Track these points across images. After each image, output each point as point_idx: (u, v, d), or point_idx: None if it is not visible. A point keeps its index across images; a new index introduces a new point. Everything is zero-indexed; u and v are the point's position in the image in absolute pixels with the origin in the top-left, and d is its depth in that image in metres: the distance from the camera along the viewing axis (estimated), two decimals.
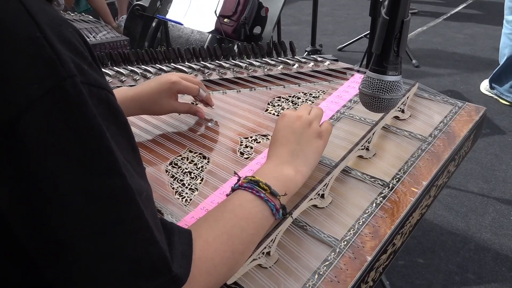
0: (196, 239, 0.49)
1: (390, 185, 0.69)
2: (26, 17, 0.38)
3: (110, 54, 1.11)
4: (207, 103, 0.89)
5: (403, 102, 0.84)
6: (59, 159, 0.38)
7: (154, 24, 2.33)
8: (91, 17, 1.94)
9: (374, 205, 0.66)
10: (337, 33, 3.87)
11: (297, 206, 0.64)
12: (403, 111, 0.84)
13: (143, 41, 2.37)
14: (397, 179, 0.70)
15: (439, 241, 1.63)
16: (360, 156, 0.75)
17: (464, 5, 4.47)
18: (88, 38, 1.66)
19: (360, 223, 0.63)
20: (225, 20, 1.56)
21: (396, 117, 0.84)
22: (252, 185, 0.57)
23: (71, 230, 0.39)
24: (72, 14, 1.94)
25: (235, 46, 1.07)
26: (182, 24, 1.76)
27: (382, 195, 0.67)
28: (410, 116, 0.84)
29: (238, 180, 0.60)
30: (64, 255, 0.40)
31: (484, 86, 2.70)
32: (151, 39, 2.39)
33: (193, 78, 0.87)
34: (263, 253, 0.59)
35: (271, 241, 0.59)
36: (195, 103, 0.92)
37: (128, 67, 1.10)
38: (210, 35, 1.89)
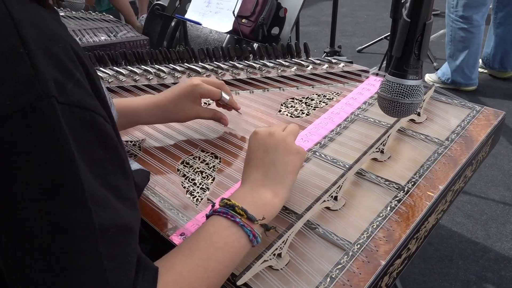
0: (169, 272, 0.46)
1: (406, 189, 0.67)
2: (11, 29, 0.37)
3: (124, 53, 1.11)
4: (233, 107, 0.84)
5: (420, 105, 0.83)
6: (22, 180, 0.36)
7: (173, 23, 2.33)
8: (111, 16, 1.96)
9: (388, 208, 0.64)
10: (357, 34, 3.84)
11: (310, 208, 0.63)
12: (419, 114, 0.83)
13: (162, 41, 2.38)
14: (412, 183, 0.68)
15: (457, 249, 1.60)
16: (375, 159, 0.74)
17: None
18: (109, 37, 1.67)
19: (374, 227, 0.62)
20: (243, 20, 1.55)
21: (412, 120, 0.82)
22: (227, 209, 0.53)
23: (23, 260, 0.37)
24: (94, 14, 1.96)
25: (253, 47, 1.07)
26: (200, 24, 1.76)
27: (397, 198, 0.66)
28: (426, 119, 0.83)
29: (213, 206, 0.56)
30: (15, 279, 0.38)
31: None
32: (170, 38, 2.40)
33: (216, 80, 0.83)
34: (274, 254, 0.58)
35: (283, 242, 0.58)
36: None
37: (142, 66, 1.10)
38: (228, 35, 1.89)
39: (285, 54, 1.06)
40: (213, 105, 0.89)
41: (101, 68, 1.12)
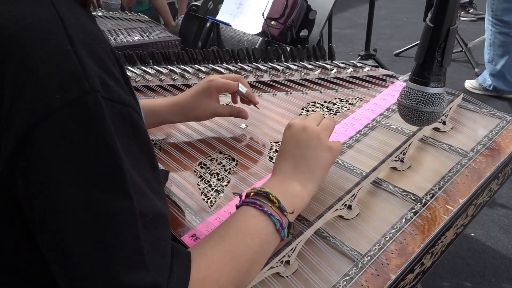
0: (201, 257, 0.48)
1: (423, 201, 0.65)
2: (60, 29, 0.39)
3: (152, 53, 1.13)
4: (250, 100, 0.84)
5: (445, 113, 0.80)
6: (68, 170, 0.38)
7: (208, 24, 2.37)
8: (146, 17, 2.00)
9: (403, 220, 0.62)
10: (395, 37, 3.74)
11: (321, 216, 0.62)
12: (444, 123, 0.80)
13: (197, 41, 2.42)
14: (431, 195, 0.66)
15: (490, 265, 1.53)
16: (394, 168, 0.72)
17: None
18: (142, 37, 1.71)
19: (387, 239, 0.60)
20: (272, 22, 1.55)
21: (436, 129, 0.79)
22: (255, 199, 0.55)
23: (69, 242, 0.39)
24: (129, 14, 2.01)
25: (284, 49, 1.06)
26: (230, 25, 1.77)
27: (414, 210, 0.63)
28: (452, 128, 0.79)
29: (240, 198, 0.58)
30: (60, 265, 0.40)
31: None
32: (205, 39, 2.43)
33: (233, 75, 0.84)
34: (282, 261, 0.57)
35: (291, 250, 0.58)
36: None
37: (168, 66, 1.12)
38: (261, 37, 1.89)
39: (310, 57, 1.04)
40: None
41: (129, 67, 1.14)
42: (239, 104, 0.88)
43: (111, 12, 1.95)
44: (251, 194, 0.57)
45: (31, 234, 0.42)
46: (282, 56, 1.06)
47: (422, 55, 0.61)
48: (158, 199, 0.45)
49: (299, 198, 0.59)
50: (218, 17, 1.77)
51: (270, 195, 0.55)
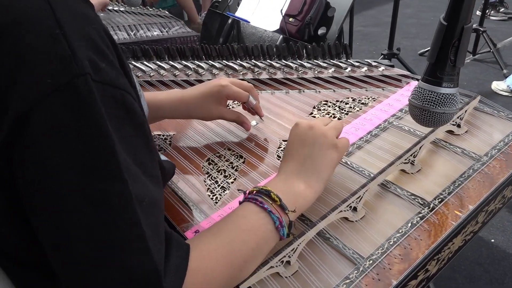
0: (195, 248, 0.48)
1: (431, 205, 0.63)
2: (48, 13, 0.39)
3: (168, 49, 1.14)
4: (257, 112, 0.84)
5: (460, 116, 0.77)
6: (62, 156, 0.38)
7: (230, 20, 2.37)
8: (167, 12, 2.02)
9: (409, 225, 0.61)
10: (420, 36, 3.66)
11: (325, 217, 0.61)
12: (459, 126, 0.77)
13: (218, 38, 2.43)
14: (439, 200, 0.64)
15: (510, 273, 1.48)
16: (403, 171, 0.70)
17: None
18: (161, 32, 1.73)
19: (391, 243, 0.58)
20: (290, 19, 1.54)
21: (450, 132, 0.77)
22: (257, 196, 0.55)
23: (66, 229, 0.39)
24: (150, 9, 2.03)
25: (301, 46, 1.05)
26: (249, 22, 1.76)
27: (420, 215, 0.62)
28: (466, 131, 0.77)
29: (244, 194, 0.57)
30: (58, 254, 0.40)
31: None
32: (226, 35, 2.43)
33: (245, 83, 0.82)
34: (282, 261, 0.57)
35: (292, 250, 0.57)
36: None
37: (183, 61, 1.12)
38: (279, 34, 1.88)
39: (325, 55, 1.03)
40: (239, 108, 0.89)
41: (145, 62, 1.16)
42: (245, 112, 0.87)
43: (132, 7, 1.97)
44: (254, 191, 0.57)
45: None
46: (296, 54, 1.05)
47: (434, 54, 0.59)
48: (153, 184, 0.45)
49: (303, 197, 0.59)
50: (237, 14, 1.77)
51: (272, 193, 0.55)
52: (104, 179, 0.39)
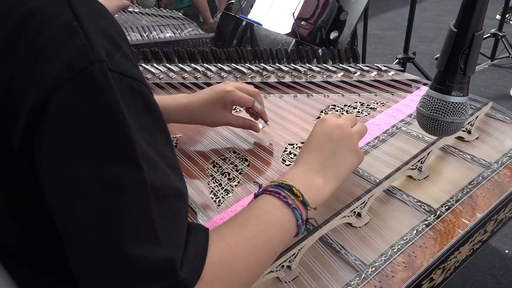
0: (218, 241, 0.46)
1: (438, 213, 0.61)
2: (65, 7, 0.40)
3: (177, 51, 1.14)
4: (262, 117, 0.82)
5: (471, 122, 0.75)
6: (77, 142, 0.38)
7: (244, 22, 2.38)
8: (180, 14, 2.03)
9: (414, 232, 0.59)
10: (437, 40, 3.60)
11: (327, 222, 0.60)
12: (469, 132, 0.76)
13: (232, 40, 2.43)
14: (447, 207, 0.62)
15: None
16: (410, 177, 0.69)
17: None
18: (174, 34, 1.74)
19: (395, 250, 0.57)
20: (302, 22, 1.53)
21: (460, 138, 0.75)
22: (280, 189, 0.53)
23: (79, 216, 0.39)
24: (164, 11, 2.05)
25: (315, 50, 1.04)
26: (261, 25, 1.76)
27: (426, 222, 0.60)
28: (477, 138, 0.75)
29: (260, 187, 0.56)
30: (70, 243, 0.40)
31: None
32: (240, 37, 2.44)
33: (251, 88, 0.81)
34: (283, 266, 0.56)
35: (293, 255, 0.56)
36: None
37: (192, 64, 1.12)
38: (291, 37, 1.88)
39: (334, 59, 1.02)
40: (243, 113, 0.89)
41: (154, 64, 1.16)
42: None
43: (146, 9, 1.99)
44: (273, 184, 0.54)
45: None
46: (306, 58, 1.04)
47: (444, 61, 0.57)
48: (176, 176, 0.44)
49: (322, 194, 0.57)
50: (250, 16, 1.77)
51: (294, 188, 0.53)
52: (119, 164, 0.39)
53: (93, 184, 0.38)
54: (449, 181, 0.67)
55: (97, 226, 0.39)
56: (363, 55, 2.20)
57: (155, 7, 2.09)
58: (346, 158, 0.60)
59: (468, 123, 0.76)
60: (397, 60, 2.79)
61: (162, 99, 0.82)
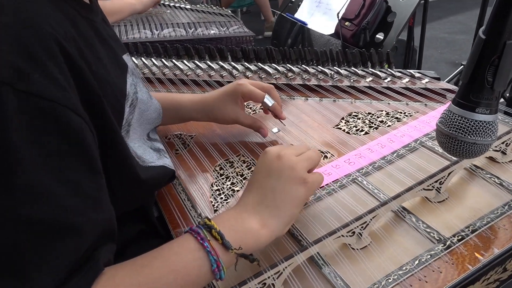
0: (108, 281, 0.42)
1: (448, 243, 0.54)
2: None
3: (208, 48, 1.13)
4: (276, 115, 0.78)
5: (506, 141, 0.66)
6: None
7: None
8: (229, 11, 2.02)
9: (416, 262, 0.53)
10: None
11: (319, 241, 0.55)
12: (504, 153, 0.66)
13: (287, 39, 2.41)
14: (460, 237, 0.55)
15: None
16: (426, 199, 0.62)
17: None
18: (219, 31, 1.73)
19: (390, 281, 0.51)
20: (346, 23, 1.46)
21: (492, 159, 0.66)
22: (201, 229, 0.48)
23: None
24: (214, 8, 2.05)
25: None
26: (306, 24, 1.71)
27: (432, 252, 0.53)
28: (511, 161, 0.66)
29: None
30: None
31: None
32: (295, 36, 2.41)
33: (265, 84, 0.78)
34: (264, 284, 0.52)
35: (276, 273, 0.52)
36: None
37: (220, 62, 1.11)
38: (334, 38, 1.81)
39: (365, 63, 0.95)
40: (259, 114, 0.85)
41: (184, 61, 1.16)
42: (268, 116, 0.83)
43: (198, 6, 2.00)
44: (199, 222, 0.49)
45: None
46: (335, 60, 0.98)
47: (468, 72, 0.50)
48: (87, 207, 0.42)
49: (254, 237, 0.50)
50: (296, 15, 1.72)
51: (213, 230, 0.47)
52: None
53: None
54: (468, 207, 0.59)
55: None
56: (419, 60, 2.06)
57: (204, 4, 2.10)
58: (288, 193, 0.53)
59: (503, 142, 0.66)
60: (462, 66, 2.60)
61: (182, 96, 0.82)
